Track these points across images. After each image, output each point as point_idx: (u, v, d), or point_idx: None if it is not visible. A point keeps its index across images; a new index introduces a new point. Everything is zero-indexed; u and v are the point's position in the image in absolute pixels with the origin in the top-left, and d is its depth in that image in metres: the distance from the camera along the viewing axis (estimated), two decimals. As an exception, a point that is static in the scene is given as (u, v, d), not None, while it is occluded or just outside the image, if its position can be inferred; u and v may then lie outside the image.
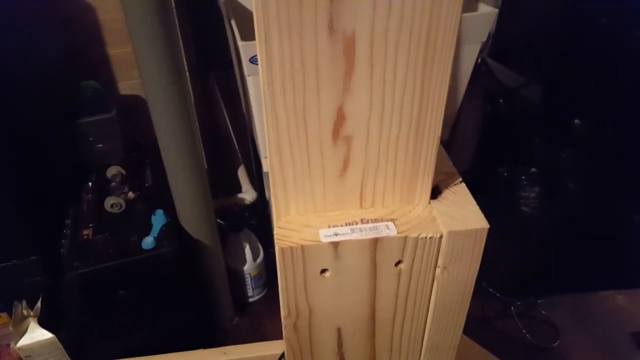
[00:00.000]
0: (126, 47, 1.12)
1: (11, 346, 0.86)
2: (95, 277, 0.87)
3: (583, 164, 1.10)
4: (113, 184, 1.05)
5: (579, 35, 1.05)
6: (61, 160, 1.11)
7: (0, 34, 0.92)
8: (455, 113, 1.03)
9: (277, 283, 0.39)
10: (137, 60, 0.85)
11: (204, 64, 1.28)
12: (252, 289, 1.23)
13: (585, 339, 1.04)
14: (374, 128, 0.35)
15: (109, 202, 0.98)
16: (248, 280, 1.21)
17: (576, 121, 1.09)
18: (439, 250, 0.38)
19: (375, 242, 0.37)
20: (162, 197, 1.00)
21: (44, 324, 0.84)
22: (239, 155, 1.34)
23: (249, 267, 1.19)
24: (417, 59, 0.31)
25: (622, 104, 1.01)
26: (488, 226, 0.37)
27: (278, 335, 0.44)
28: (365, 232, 0.37)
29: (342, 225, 0.38)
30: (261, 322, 1.15)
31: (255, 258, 1.19)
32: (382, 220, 0.38)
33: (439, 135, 0.36)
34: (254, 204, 1.27)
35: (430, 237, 0.37)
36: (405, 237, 0.37)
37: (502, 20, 1.12)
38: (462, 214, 0.38)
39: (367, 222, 0.38)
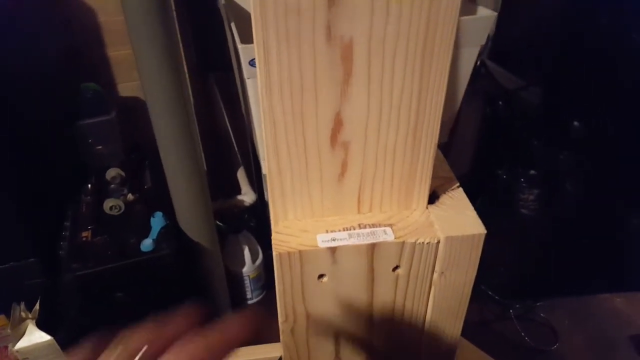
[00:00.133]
0: (126, 48, 1.13)
1: (9, 348, 0.86)
2: (94, 279, 0.87)
3: (582, 167, 1.10)
4: (112, 185, 1.05)
5: (578, 38, 1.05)
6: (60, 162, 1.11)
7: (0, 35, 0.92)
8: (454, 115, 1.03)
9: (275, 286, 0.39)
10: (136, 61, 0.85)
11: (204, 65, 1.28)
12: (251, 291, 1.23)
13: (583, 342, 1.04)
14: (372, 134, 0.35)
15: (108, 204, 0.98)
16: (247, 282, 1.21)
17: (575, 123, 1.09)
18: (436, 255, 0.38)
19: (372, 247, 0.37)
20: (161, 199, 1.00)
21: (42, 326, 0.85)
22: (239, 156, 1.34)
23: (248, 269, 1.19)
24: (415, 66, 0.32)
25: (621, 106, 1.02)
26: (485, 232, 0.37)
27: (276, 338, 0.44)
28: (362, 237, 0.37)
29: (339, 231, 0.38)
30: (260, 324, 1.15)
31: (254, 260, 1.19)
32: (379, 226, 0.38)
33: (437, 140, 0.36)
34: (253, 206, 1.27)
35: (427, 243, 0.37)
36: (403, 243, 0.37)
37: (501, 22, 1.13)
38: (459, 219, 0.38)
39: (365, 227, 0.38)
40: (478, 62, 1.11)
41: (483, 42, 0.85)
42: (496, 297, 1.15)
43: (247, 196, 1.27)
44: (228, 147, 1.36)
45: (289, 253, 0.36)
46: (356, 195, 0.38)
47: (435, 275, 0.39)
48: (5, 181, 0.88)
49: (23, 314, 0.86)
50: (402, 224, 0.38)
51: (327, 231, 0.38)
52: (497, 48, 1.23)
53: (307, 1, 0.28)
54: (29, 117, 0.99)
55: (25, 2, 1.03)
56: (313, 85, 0.32)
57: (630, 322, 1.06)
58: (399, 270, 0.38)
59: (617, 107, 1.02)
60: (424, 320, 0.42)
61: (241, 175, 1.32)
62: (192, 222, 1.00)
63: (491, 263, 1.19)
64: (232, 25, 0.89)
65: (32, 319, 0.85)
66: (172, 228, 0.96)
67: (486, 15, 0.82)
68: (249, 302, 1.23)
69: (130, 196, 1.02)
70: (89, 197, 1.04)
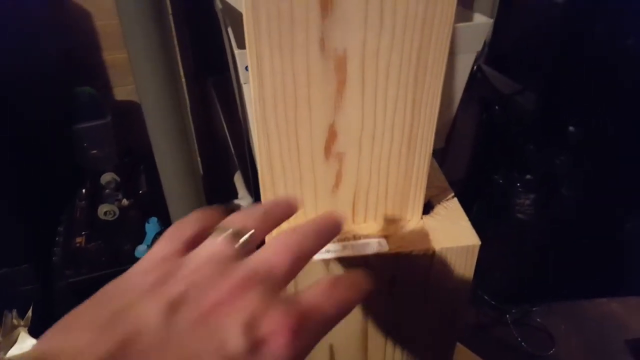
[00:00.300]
0: (122, 52, 1.12)
1: (0, 356, 0.85)
2: (88, 286, 0.86)
3: (578, 171, 1.10)
4: (107, 190, 1.05)
5: (574, 43, 1.05)
6: (55, 166, 1.10)
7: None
8: (450, 121, 1.03)
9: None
10: (131, 65, 0.85)
11: (201, 69, 1.28)
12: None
13: (580, 347, 1.04)
14: (366, 145, 0.35)
15: (102, 209, 0.97)
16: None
17: (571, 128, 1.09)
18: (431, 266, 0.37)
19: (367, 258, 0.37)
20: (156, 204, 0.99)
21: (34, 334, 0.84)
22: (236, 160, 1.33)
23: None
24: (409, 77, 0.31)
25: (617, 110, 1.02)
26: (480, 243, 0.37)
27: None
28: (357, 249, 0.37)
29: (333, 242, 0.37)
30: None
31: (250, 265, 1.19)
32: (374, 237, 0.38)
33: (431, 150, 0.36)
34: (249, 210, 1.26)
35: (422, 254, 0.37)
36: (398, 254, 0.37)
37: (497, 27, 1.13)
38: (454, 230, 0.38)
39: (359, 238, 0.38)
40: (474, 67, 1.11)
41: (479, 48, 0.85)
42: (492, 302, 1.14)
43: (244, 200, 1.27)
44: (225, 150, 1.36)
45: (282, 265, 0.36)
46: (350, 206, 0.38)
47: (431, 286, 0.39)
48: (-1, 186, 0.87)
49: (15, 322, 0.85)
50: (397, 235, 0.38)
51: (321, 242, 0.38)
52: (493, 52, 1.24)
53: (300, 13, 0.28)
54: (24, 121, 0.98)
55: (22, 5, 1.03)
56: (307, 97, 0.32)
57: (627, 327, 1.06)
58: (393, 282, 0.38)
59: (612, 111, 1.03)
60: (420, 331, 0.42)
61: (238, 179, 1.32)
62: (187, 227, 0.99)
63: (488, 268, 1.19)
64: (229, 30, 0.89)
65: (24, 326, 0.84)
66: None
67: (482, 22, 0.82)
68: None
69: (124, 201, 1.02)
70: (83, 202, 1.03)
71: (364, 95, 0.32)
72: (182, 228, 0.24)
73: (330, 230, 0.25)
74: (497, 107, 1.25)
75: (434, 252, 0.37)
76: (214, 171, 1.38)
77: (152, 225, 0.94)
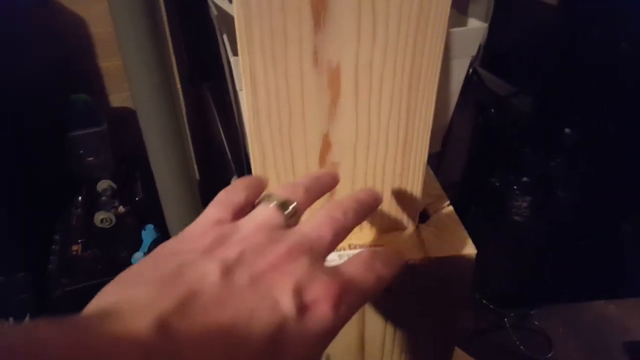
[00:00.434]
0: (117, 59, 1.12)
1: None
2: (85, 295, 0.86)
3: (575, 173, 1.10)
4: (103, 198, 1.05)
5: (570, 45, 1.06)
6: (51, 174, 1.10)
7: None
8: (446, 125, 1.03)
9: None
10: (126, 72, 0.85)
11: (197, 74, 1.28)
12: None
13: (578, 350, 1.04)
14: (361, 154, 0.35)
15: (98, 217, 0.97)
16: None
17: (567, 130, 1.09)
18: (427, 275, 0.37)
19: (363, 268, 0.37)
20: (153, 211, 0.99)
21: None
22: (232, 165, 1.33)
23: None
24: (402, 87, 0.31)
25: (613, 112, 1.02)
26: (476, 252, 0.37)
27: None
28: (353, 259, 0.37)
29: (329, 252, 0.37)
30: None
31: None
32: (369, 246, 0.38)
33: (426, 159, 0.36)
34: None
35: (418, 263, 0.37)
36: (394, 263, 0.37)
37: (493, 30, 1.13)
38: (450, 239, 0.38)
39: (355, 247, 0.38)
40: (470, 71, 1.11)
41: (474, 52, 0.85)
42: (490, 306, 1.14)
43: (240, 206, 1.26)
44: (221, 155, 1.36)
45: (278, 275, 0.36)
46: (346, 215, 0.38)
47: (427, 295, 0.39)
48: (-7, 194, 0.87)
49: (12, 330, 0.85)
50: (393, 244, 0.38)
51: (317, 252, 0.37)
52: (489, 55, 1.24)
53: (293, 27, 0.28)
54: (18, 129, 0.98)
55: (15, 12, 1.02)
56: (301, 109, 0.32)
57: (625, 329, 1.06)
58: (389, 291, 0.38)
59: (608, 113, 1.03)
60: (418, 339, 0.42)
61: (234, 184, 1.32)
62: (184, 234, 0.99)
63: (485, 271, 1.19)
64: (224, 37, 0.89)
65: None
66: (164, 241, 0.95)
67: (477, 27, 0.82)
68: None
69: (121, 208, 1.01)
70: (79, 210, 1.03)
71: (357, 106, 0.32)
72: (231, 194, 0.26)
73: (370, 205, 0.27)
74: (492, 110, 1.26)
75: (429, 261, 0.37)
76: (210, 176, 1.38)
77: (148, 233, 0.94)
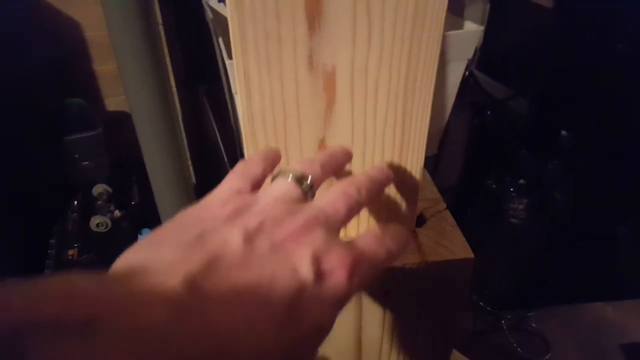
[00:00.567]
0: (111, 63, 1.12)
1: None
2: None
3: (571, 175, 1.10)
4: (99, 202, 1.04)
5: (566, 48, 1.06)
6: (46, 178, 1.09)
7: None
8: (443, 128, 1.03)
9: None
10: (121, 76, 0.85)
11: (193, 77, 1.27)
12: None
13: (575, 352, 1.04)
14: (357, 159, 0.34)
15: (94, 221, 0.96)
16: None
17: (563, 132, 1.09)
18: (424, 279, 0.37)
19: (360, 273, 0.36)
20: (149, 215, 0.99)
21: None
22: (229, 168, 1.33)
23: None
24: (398, 91, 0.31)
25: (609, 114, 1.02)
26: (473, 256, 0.36)
27: None
28: (349, 263, 0.37)
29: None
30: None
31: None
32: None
33: (423, 163, 0.36)
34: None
35: (415, 267, 0.36)
36: (391, 268, 0.36)
37: (489, 33, 1.13)
38: (447, 243, 0.38)
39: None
40: (466, 74, 1.11)
41: (470, 55, 0.85)
42: (487, 308, 1.14)
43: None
44: (218, 158, 1.35)
45: (274, 281, 0.36)
46: (342, 220, 0.38)
47: (424, 299, 0.38)
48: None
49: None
50: (390, 248, 0.38)
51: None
52: (485, 58, 1.24)
53: (287, 31, 0.27)
54: (13, 133, 0.97)
55: (10, 16, 1.02)
56: (296, 113, 0.31)
57: (622, 331, 1.06)
58: (387, 295, 0.38)
59: (604, 115, 1.03)
60: (415, 343, 0.42)
61: (231, 188, 1.31)
62: (180, 238, 0.98)
63: (482, 273, 1.19)
64: (220, 40, 0.89)
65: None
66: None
67: (473, 30, 0.82)
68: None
69: (117, 212, 1.01)
70: (75, 214, 1.02)
71: (353, 110, 0.32)
72: (250, 166, 0.27)
73: (381, 182, 0.29)
74: (489, 113, 1.26)
75: (427, 265, 0.36)
76: (206, 179, 1.37)
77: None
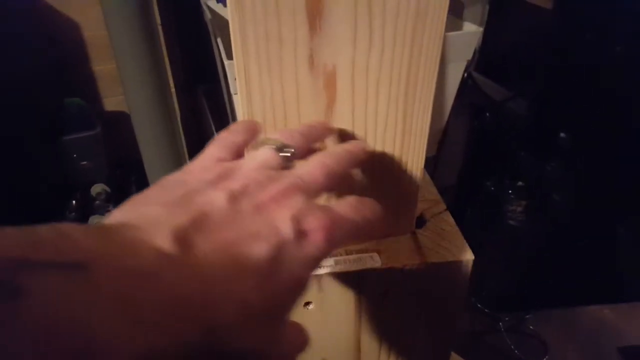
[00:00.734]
0: (111, 63, 1.11)
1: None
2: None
3: (570, 177, 1.10)
4: (97, 202, 1.04)
5: (565, 49, 1.06)
6: (45, 178, 1.09)
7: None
8: (442, 129, 1.03)
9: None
10: (120, 76, 0.85)
11: (192, 78, 1.27)
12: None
13: (573, 354, 1.04)
14: (357, 160, 0.34)
15: (92, 221, 0.96)
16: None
17: (562, 134, 1.09)
18: (424, 281, 0.37)
19: (359, 273, 0.36)
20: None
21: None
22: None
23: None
24: (399, 92, 0.31)
25: (607, 116, 1.02)
26: (473, 257, 0.36)
27: None
28: (349, 264, 0.36)
29: (326, 257, 0.37)
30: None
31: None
32: (366, 251, 0.38)
33: (423, 164, 0.36)
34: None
35: (415, 269, 0.36)
36: (390, 269, 0.36)
37: (488, 34, 1.13)
38: (447, 244, 0.38)
39: (352, 253, 0.38)
40: (465, 75, 1.12)
41: (469, 57, 0.85)
42: (485, 310, 1.14)
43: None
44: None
45: (274, 281, 0.36)
46: (342, 220, 0.38)
47: (424, 300, 0.38)
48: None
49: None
50: (389, 249, 0.38)
51: (313, 258, 0.37)
52: (484, 59, 1.24)
53: (288, 32, 0.27)
54: (11, 133, 0.97)
55: (8, 16, 1.02)
56: (297, 113, 0.31)
57: (620, 334, 1.06)
58: (386, 296, 0.38)
59: (603, 117, 1.03)
60: (414, 345, 0.42)
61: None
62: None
63: (480, 275, 1.19)
64: (219, 40, 0.89)
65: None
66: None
67: (472, 31, 0.82)
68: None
69: (115, 213, 1.00)
70: (73, 214, 1.02)
71: (354, 110, 0.32)
72: (232, 135, 0.28)
73: (357, 155, 0.29)
74: (488, 114, 1.26)
75: (426, 266, 0.36)
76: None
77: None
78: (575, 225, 1.11)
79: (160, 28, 1.10)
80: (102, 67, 1.15)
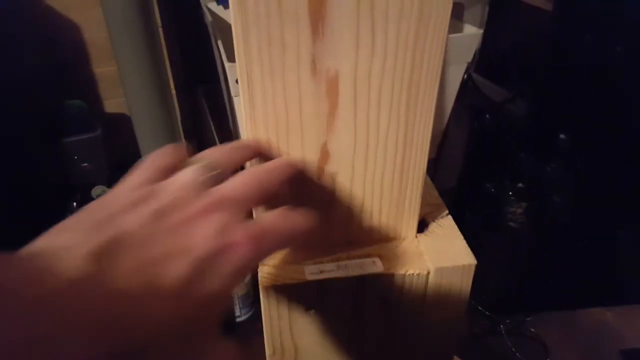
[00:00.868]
0: (111, 65, 1.11)
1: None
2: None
3: (570, 179, 1.10)
4: (97, 204, 1.03)
5: (565, 50, 1.06)
6: (45, 179, 1.09)
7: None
8: (442, 132, 1.03)
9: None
10: (121, 78, 0.85)
11: (192, 79, 1.27)
12: (240, 309, 1.21)
13: (574, 357, 1.04)
14: (359, 165, 0.34)
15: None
16: (235, 300, 1.19)
17: (562, 136, 1.09)
18: (426, 286, 0.37)
19: (361, 278, 0.36)
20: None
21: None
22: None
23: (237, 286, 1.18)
24: (401, 99, 0.31)
25: (609, 118, 1.02)
26: (476, 262, 0.36)
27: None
28: (351, 269, 0.36)
29: (327, 262, 0.37)
30: (249, 342, 1.14)
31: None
32: (368, 256, 0.37)
33: (425, 170, 0.36)
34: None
35: (417, 274, 0.36)
36: (392, 274, 0.36)
37: (488, 35, 1.13)
38: (449, 249, 0.37)
39: (353, 258, 0.37)
40: (465, 77, 1.12)
41: (470, 59, 0.86)
42: (486, 312, 1.14)
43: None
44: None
45: (275, 287, 0.35)
46: (344, 225, 0.38)
47: (426, 305, 0.38)
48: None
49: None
50: (391, 254, 0.38)
51: (314, 262, 0.37)
52: (483, 61, 1.24)
53: (291, 37, 0.27)
54: (12, 134, 0.97)
55: (9, 18, 1.02)
56: (299, 118, 0.31)
57: (621, 336, 1.06)
58: (388, 301, 0.38)
59: (603, 118, 1.03)
60: (415, 352, 0.42)
61: (229, 190, 1.31)
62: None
63: (480, 277, 1.19)
64: (219, 43, 0.89)
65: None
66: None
67: (472, 33, 0.82)
68: (238, 319, 1.21)
69: (115, 215, 1.00)
70: (73, 216, 1.01)
71: (356, 115, 0.32)
72: (156, 159, 0.28)
73: (285, 170, 0.30)
74: (488, 116, 1.26)
75: (429, 272, 0.36)
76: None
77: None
78: (576, 227, 1.11)
79: (160, 30, 1.10)
80: (103, 69, 1.15)
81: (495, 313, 1.13)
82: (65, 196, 1.07)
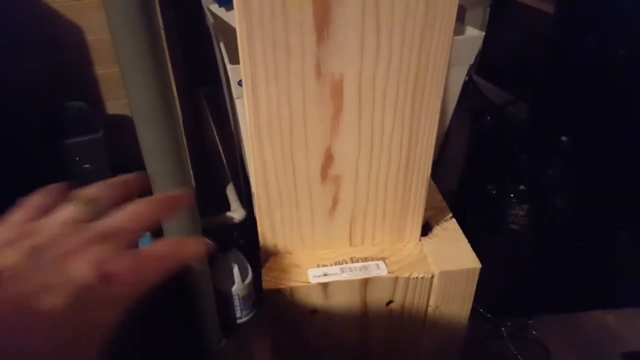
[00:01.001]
0: (113, 67, 1.11)
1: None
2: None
3: (571, 181, 1.10)
4: (99, 205, 1.03)
5: (566, 53, 1.06)
6: (46, 181, 1.09)
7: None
8: (443, 134, 1.03)
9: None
10: (123, 79, 0.84)
11: (193, 81, 1.27)
12: (241, 310, 1.21)
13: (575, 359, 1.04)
14: (363, 168, 0.34)
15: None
16: (236, 301, 1.19)
17: (563, 138, 1.09)
18: (430, 289, 0.37)
19: (365, 282, 0.36)
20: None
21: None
22: (228, 172, 1.32)
23: (238, 288, 1.17)
24: (405, 103, 0.31)
25: (609, 120, 1.02)
26: (480, 266, 0.36)
27: (267, 357, 0.43)
28: (355, 272, 0.36)
29: (331, 265, 0.37)
30: (250, 343, 1.13)
31: (243, 279, 1.18)
32: (372, 259, 0.37)
33: (429, 174, 0.36)
34: (242, 223, 1.25)
35: (421, 277, 0.36)
36: (396, 278, 0.36)
37: (489, 38, 1.13)
38: (453, 253, 0.37)
39: (357, 261, 0.37)
40: (466, 79, 1.12)
41: (471, 61, 0.86)
42: (488, 315, 1.14)
43: (236, 213, 1.26)
44: (217, 162, 1.35)
45: (280, 289, 0.35)
46: (348, 228, 0.37)
47: (430, 309, 0.38)
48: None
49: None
50: (395, 257, 0.38)
51: (318, 265, 0.37)
52: (485, 63, 1.24)
53: (295, 41, 0.27)
54: (14, 135, 0.97)
55: (11, 20, 1.02)
56: (303, 121, 0.31)
57: (622, 339, 1.05)
58: (392, 305, 0.38)
59: (604, 120, 1.03)
60: (420, 353, 0.42)
61: (230, 191, 1.31)
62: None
63: (482, 280, 1.18)
64: (221, 45, 0.89)
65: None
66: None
67: (474, 36, 0.82)
68: (239, 321, 1.21)
69: (117, 216, 1.00)
70: (74, 218, 1.01)
71: (360, 120, 0.32)
72: (35, 199, 0.29)
73: (173, 205, 0.30)
74: (489, 118, 1.26)
75: (433, 275, 0.36)
76: (206, 184, 1.37)
77: (144, 241, 0.92)
78: (578, 230, 1.11)
79: (162, 32, 1.10)
80: (105, 70, 1.15)
81: (497, 315, 1.13)
82: (67, 198, 1.06)
